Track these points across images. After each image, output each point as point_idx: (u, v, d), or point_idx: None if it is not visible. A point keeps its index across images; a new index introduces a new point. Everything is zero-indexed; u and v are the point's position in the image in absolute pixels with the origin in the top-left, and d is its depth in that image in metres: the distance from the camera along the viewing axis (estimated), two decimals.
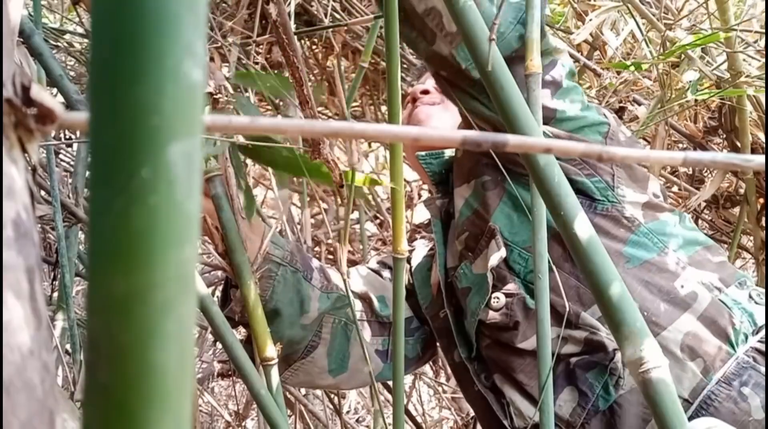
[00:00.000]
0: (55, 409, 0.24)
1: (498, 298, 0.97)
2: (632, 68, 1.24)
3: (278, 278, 1.01)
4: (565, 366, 0.95)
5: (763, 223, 1.40)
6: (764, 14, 1.26)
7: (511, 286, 0.97)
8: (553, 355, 0.92)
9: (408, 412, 1.71)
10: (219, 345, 2.07)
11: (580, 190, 0.94)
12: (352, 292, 1.11)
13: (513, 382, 0.99)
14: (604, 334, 0.92)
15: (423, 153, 1.13)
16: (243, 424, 2.12)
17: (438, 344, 1.15)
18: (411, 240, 1.25)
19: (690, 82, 1.18)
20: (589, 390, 0.93)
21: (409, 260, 1.16)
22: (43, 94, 0.24)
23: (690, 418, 0.86)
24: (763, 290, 1.00)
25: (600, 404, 0.93)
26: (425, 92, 1.17)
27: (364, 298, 1.12)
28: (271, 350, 0.88)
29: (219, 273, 1.75)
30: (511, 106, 0.58)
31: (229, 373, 2.13)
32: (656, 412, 0.52)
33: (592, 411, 0.93)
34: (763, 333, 0.93)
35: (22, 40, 0.87)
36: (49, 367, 0.24)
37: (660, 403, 0.51)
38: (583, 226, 0.54)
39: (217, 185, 0.91)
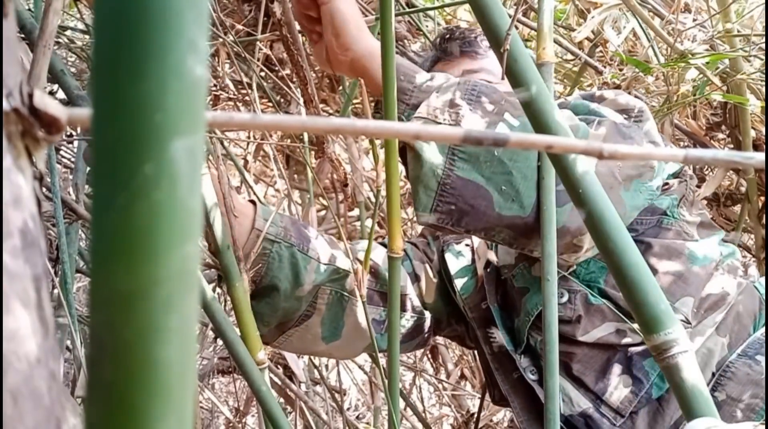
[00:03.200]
0: (62, 417, 0.25)
1: (562, 293, 1.01)
2: (643, 70, 1.24)
3: (273, 255, 1.02)
4: (622, 354, 1.00)
5: (764, 221, 1.40)
6: (764, 14, 1.25)
7: (574, 284, 1.01)
8: (611, 347, 0.99)
9: (411, 406, 1.71)
10: (220, 341, 2.07)
11: (657, 209, 1.02)
12: (359, 260, 1.12)
13: (568, 371, 1.02)
14: None
15: None
16: (243, 420, 2.12)
17: (477, 333, 1.17)
18: (435, 234, 1.26)
19: (696, 79, 1.19)
20: (645, 377, 0.98)
21: (440, 252, 1.19)
22: (47, 101, 0.24)
23: (713, 387, 0.97)
24: None
25: (653, 392, 0.98)
26: None
27: (371, 267, 1.13)
28: (262, 354, 0.88)
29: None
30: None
31: (230, 369, 2.13)
32: (682, 398, 0.50)
33: (644, 399, 0.98)
34: None
35: (23, 36, 0.87)
36: (56, 375, 0.24)
37: (687, 390, 0.49)
38: (603, 204, 0.53)
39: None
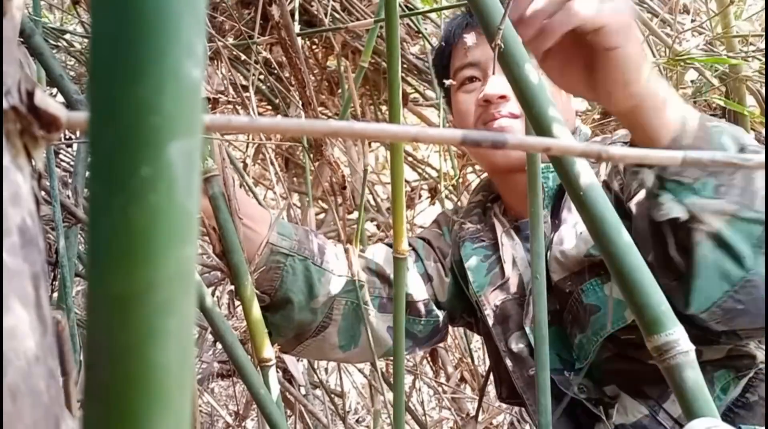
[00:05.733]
0: (61, 415, 0.25)
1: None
2: None
3: (287, 268, 1.03)
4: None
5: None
6: (763, 14, 1.26)
7: None
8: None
9: (410, 411, 1.71)
10: (219, 345, 2.07)
11: None
12: (369, 269, 1.12)
13: (631, 387, 0.99)
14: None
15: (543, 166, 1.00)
16: (243, 424, 2.12)
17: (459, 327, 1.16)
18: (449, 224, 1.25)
19: (695, 80, 1.19)
20: (709, 389, 0.95)
21: (456, 245, 1.17)
22: (47, 100, 0.24)
23: (745, 387, 0.94)
24: None
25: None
26: (503, 98, 1.04)
27: (382, 275, 1.13)
28: (269, 351, 0.88)
29: (218, 273, 1.75)
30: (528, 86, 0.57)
31: (229, 373, 2.13)
32: (682, 398, 0.50)
33: None
34: None
35: (22, 39, 0.87)
36: (54, 373, 0.24)
37: (687, 390, 0.50)
38: (604, 206, 0.53)
39: (214, 186, 0.91)
